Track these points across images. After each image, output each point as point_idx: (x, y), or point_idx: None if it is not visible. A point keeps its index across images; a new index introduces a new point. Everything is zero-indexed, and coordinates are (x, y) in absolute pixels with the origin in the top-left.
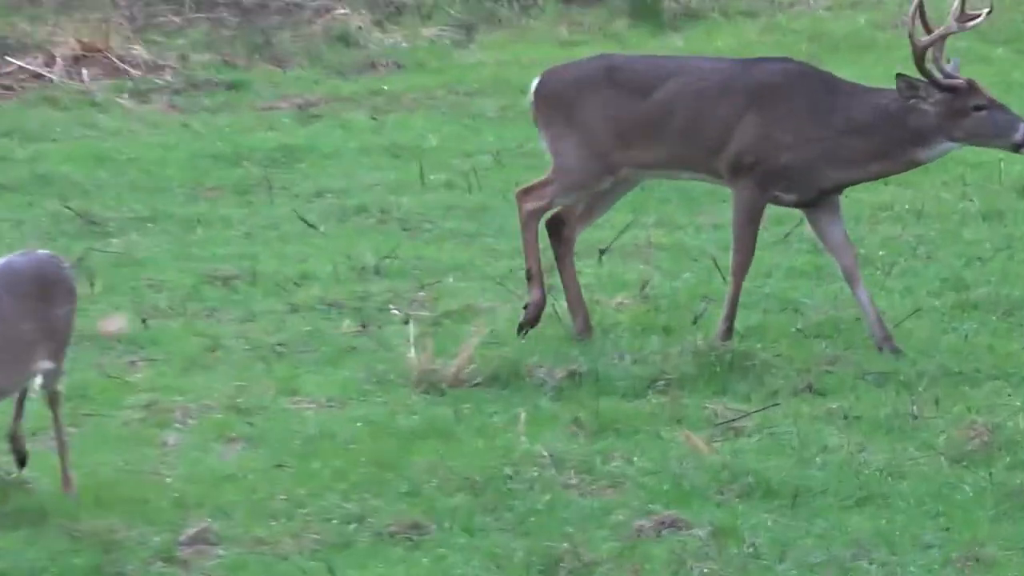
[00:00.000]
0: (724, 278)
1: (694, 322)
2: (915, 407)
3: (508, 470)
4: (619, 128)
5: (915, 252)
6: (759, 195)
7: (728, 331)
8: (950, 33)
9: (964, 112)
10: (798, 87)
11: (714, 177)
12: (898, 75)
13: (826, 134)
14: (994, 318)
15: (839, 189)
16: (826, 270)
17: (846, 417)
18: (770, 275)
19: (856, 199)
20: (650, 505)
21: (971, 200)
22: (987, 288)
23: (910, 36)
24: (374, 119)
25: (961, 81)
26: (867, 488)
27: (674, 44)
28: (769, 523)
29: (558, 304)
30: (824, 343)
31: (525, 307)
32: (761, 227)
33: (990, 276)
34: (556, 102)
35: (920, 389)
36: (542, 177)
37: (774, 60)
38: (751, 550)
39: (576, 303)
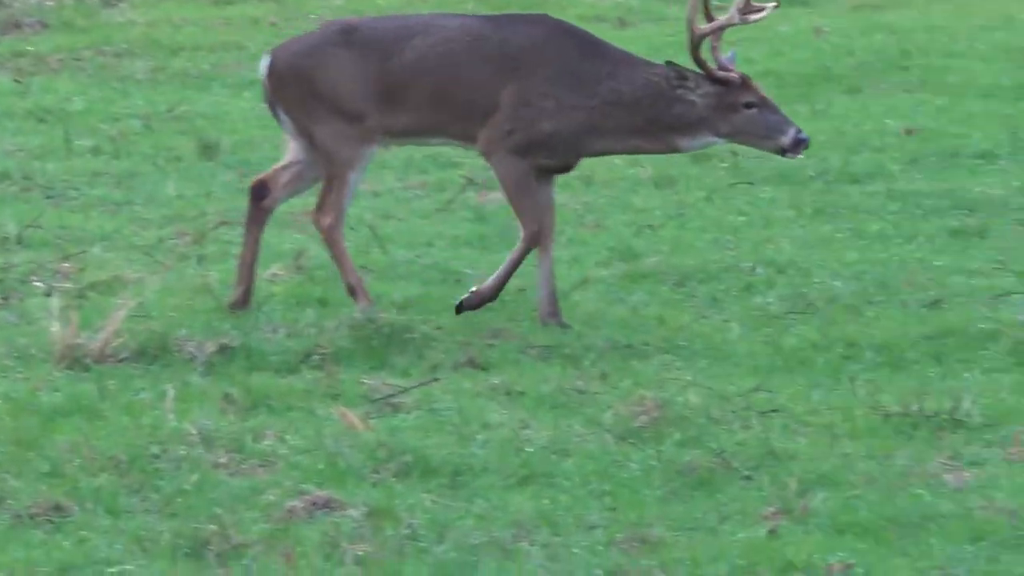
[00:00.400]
0: (383, 247)
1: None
2: (581, 382)
3: (155, 449)
4: (365, 93)
5: (583, 220)
6: (521, 163)
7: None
8: (731, 25)
9: (734, 108)
10: (559, 50)
11: (472, 144)
12: (668, 63)
13: (590, 103)
14: (665, 289)
15: (600, 155)
16: (490, 239)
17: (509, 393)
18: (431, 244)
19: None
20: (303, 485)
21: (642, 166)
22: (658, 257)
23: (688, 23)
24: (17, 81)
25: (735, 76)
26: (530, 466)
27: None
28: (427, 503)
29: (211, 275)
30: (487, 315)
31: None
32: (423, 194)
33: (661, 245)
34: (294, 79)
35: (587, 363)
36: (321, 187)
37: (531, 19)
38: (408, 531)
39: (246, 272)
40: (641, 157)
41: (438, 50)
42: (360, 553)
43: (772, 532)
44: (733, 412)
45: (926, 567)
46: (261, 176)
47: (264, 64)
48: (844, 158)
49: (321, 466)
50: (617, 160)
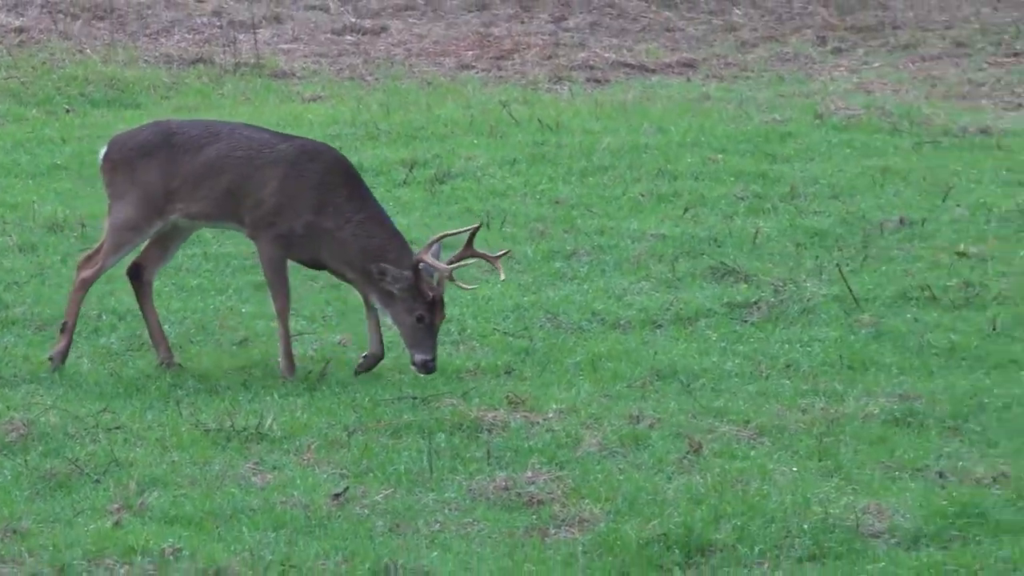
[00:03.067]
0: None
1: None
2: None
3: None
4: (171, 184)
5: None
6: (278, 247)
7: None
8: (443, 275)
9: (410, 311)
10: (324, 164)
11: (243, 227)
12: (376, 265)
13: (335, 222)
14: (30, 332)
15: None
16: None
17: None
18: None
19: None
20: None
21: (9, 236)
22: (24, 307)
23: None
24: None
25: (430, 295)
26: None
27: None
28: None
29: None
30: None
31: (50, 358)
32: None
33: (26, 298)
34: (122, 166)
35: None
36: (97, 245)
37: (306, 140)
38: None
39: (158, 336)
40: (9, 227)
41: (235, 154)
42: None
43: (117, 524)
44: (85, 429)
45: (239, 549)
46: (134, 260)
47: (101, 152)
48: None
49: None
50: None
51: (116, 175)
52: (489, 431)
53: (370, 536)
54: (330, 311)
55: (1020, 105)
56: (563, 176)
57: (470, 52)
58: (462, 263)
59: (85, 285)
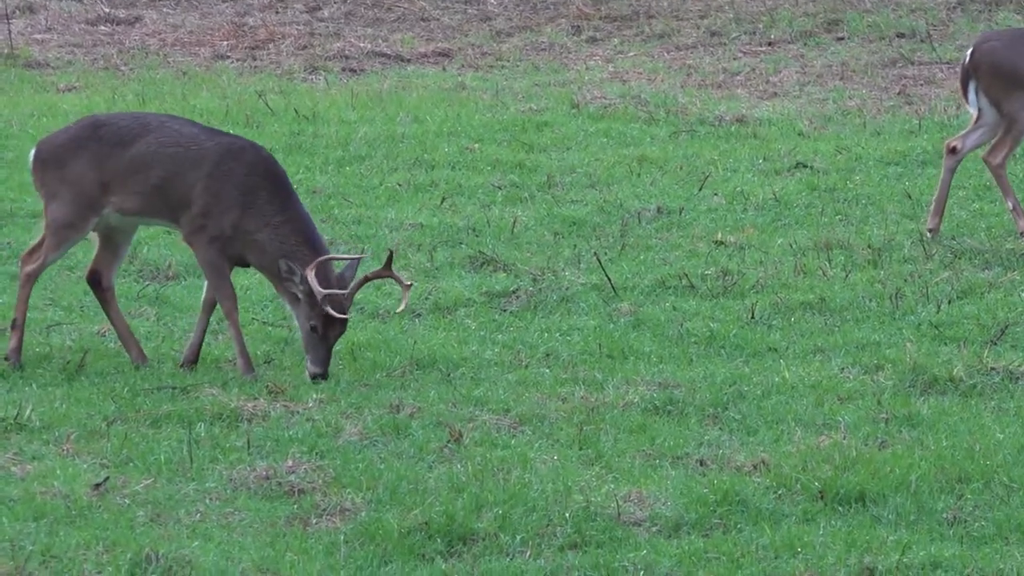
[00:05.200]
0: None
1: None
2: None
3: None
4: (103, 177)
5: None
6: (213, 249)
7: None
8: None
9: (308, 318)
10: (246, 165)
11: (177, 227)
12: (285, 261)
13: (255, 223)
14: None
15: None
16: None
17: None
18: None
19: None
20: None
21: None
22: None
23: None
24: None
25: (324, 308)
26: None
27: None
28: None
29: None
30: None
31: (6, 357)
32: None
33: None
34: (52, 164)
35: None
36: (38, 239)
37: (232, 136)
38: None
39: (127, 339)
40: None
41: (165, 150)
42: None
43: None
44: None
45: None
46: (90, 267)
47: (31, 155)
48: None
49: None
50: None
51: (47, 174)
52: (249, 421)
53: (131, 526)
54: (87, 300)
55: (775, 94)
56: (320, 166)
57: (225, 42)
58: (337, 292)
59: (30, 279)
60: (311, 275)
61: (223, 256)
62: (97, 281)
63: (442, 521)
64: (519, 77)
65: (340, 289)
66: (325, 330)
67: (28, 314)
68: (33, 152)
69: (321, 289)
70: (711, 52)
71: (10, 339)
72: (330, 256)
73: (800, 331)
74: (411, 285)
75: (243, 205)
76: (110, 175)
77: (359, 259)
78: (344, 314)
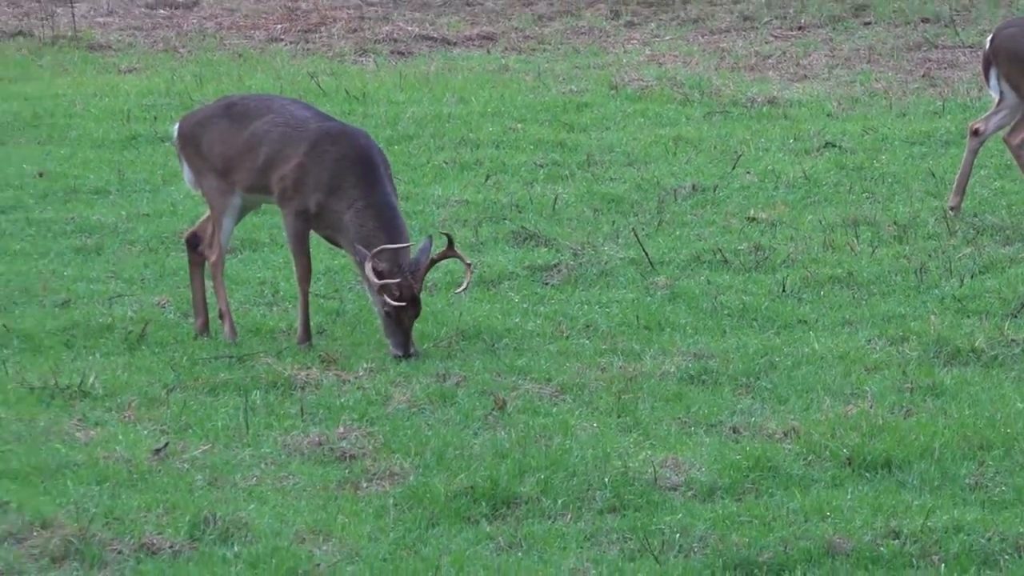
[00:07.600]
0: None
1: None
2: None
3: None
4: (226, 154)
5: None
6: (298, 221)
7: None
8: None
9: (382, 304)
10: (340, 150)
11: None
12: (375, 254)
13: (340, 205)
14: None
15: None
16: None
17: None
18: None
19: None
20: None
21: None
22: None
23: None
24: None
25: (396, 300)
26: None
27: None
28: None
29: None
30: None
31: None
32: None
33: None
34: (191, 140)
35: None
36: (209, 231)
37: (339, 122)
38: None
39: (200, 306)
40: None
41: (275, 129)
42: None
43: None
44: None
45: (64, 502)
46: (192, 229)
47: (174, 130)
48: None
49: None
50: None
51: (187, 150)
52: (303, 389)
53: (190, 489)
54: (148, 273)
55: (805, 76)
56: None
57: (279, 25)
58: (391, 281)
59: (218, 267)
60: (368, 267)
61: (306, 229)
62: (195, 244)
63: (487, 485)
64: (560, 60)
65: (413, 273)
66: (398, 314)
67: (91, 287)
68: (176, 128)
69: (376, 280)
70: (744, 36)
71: (222, 326)
72: (381, 248)
73: (829, 304)
74: (472, 265)
75: (330, 186)
76: (233, 151)
77: (429, 244)
78: (413, 299)
